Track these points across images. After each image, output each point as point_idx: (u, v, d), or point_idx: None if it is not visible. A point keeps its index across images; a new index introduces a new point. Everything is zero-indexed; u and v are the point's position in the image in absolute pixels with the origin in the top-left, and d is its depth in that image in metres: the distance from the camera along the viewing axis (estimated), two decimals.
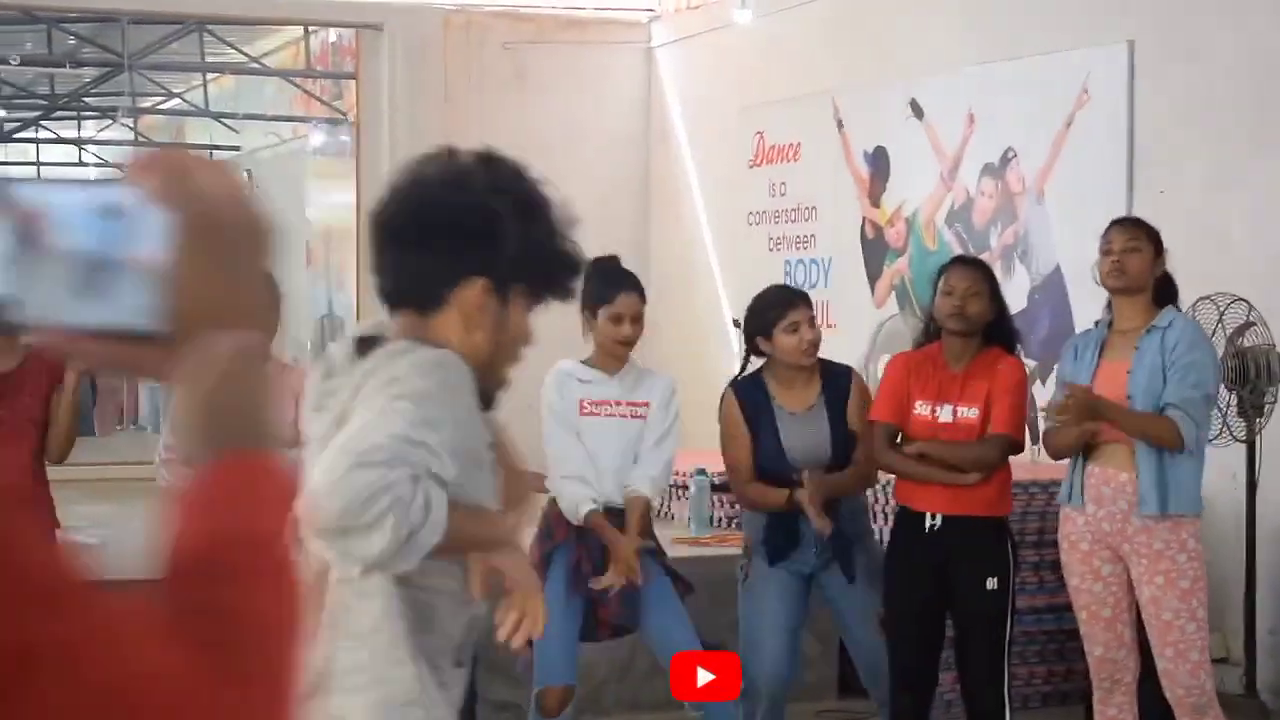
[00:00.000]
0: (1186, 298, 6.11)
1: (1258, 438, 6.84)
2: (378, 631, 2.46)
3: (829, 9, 11.06)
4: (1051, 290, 8.88)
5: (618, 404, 5.35)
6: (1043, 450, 6.37)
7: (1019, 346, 6.17)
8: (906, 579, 5.78)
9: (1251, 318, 6.74)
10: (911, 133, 10.14)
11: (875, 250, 10.25)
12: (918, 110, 10.00)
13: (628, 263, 5.77)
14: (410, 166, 2.70)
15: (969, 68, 9.80)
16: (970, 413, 5.55)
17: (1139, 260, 5.33)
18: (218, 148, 18.78)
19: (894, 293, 9.66)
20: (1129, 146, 8.58)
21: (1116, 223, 5.64)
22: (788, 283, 9.92)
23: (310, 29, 15.19)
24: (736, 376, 6.11)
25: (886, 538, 6.14)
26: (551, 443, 5.31)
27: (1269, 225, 7.31)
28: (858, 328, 8.73)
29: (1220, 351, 6.43)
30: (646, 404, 5.32)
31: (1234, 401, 6.56)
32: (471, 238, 2.58)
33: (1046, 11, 9.46)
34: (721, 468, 6.25)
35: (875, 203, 10.38)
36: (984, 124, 9.55)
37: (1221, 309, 6.74)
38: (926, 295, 7.01)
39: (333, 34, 14.65)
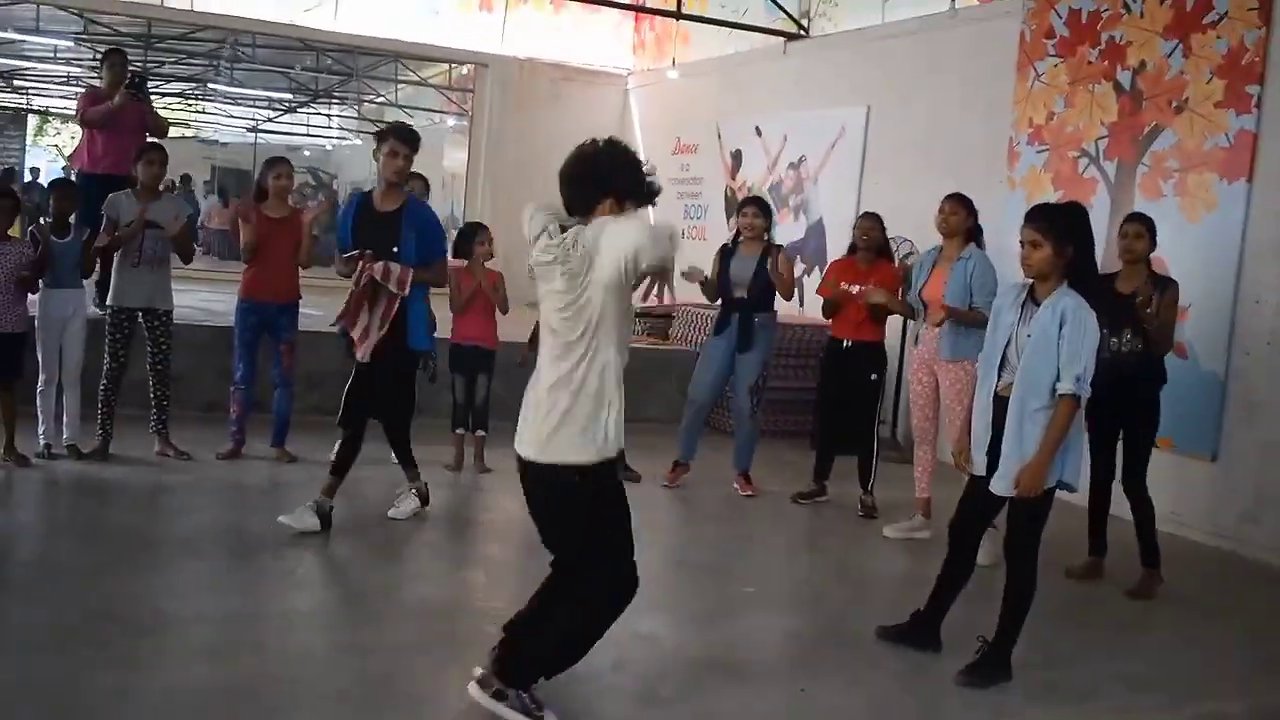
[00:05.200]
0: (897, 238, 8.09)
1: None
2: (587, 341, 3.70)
3: (716, 74, 13.31)
4: (816, 229, 11.38)
5: None
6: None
7: (896, 258, 8.00)
8: (832, 374, 7.61)
9: (914, 249, 8.72)
10: (754, 144, 12.46)
11: (731, 203, 12.40)
12: (759, 132, 12.33)
13: None
14: (575, 149, 3.82)
15: (786, 112, 11.88)
16: (870, 288, 7.17)
17: (957, 219, 6.69)
18: (401, 124, 24.99)
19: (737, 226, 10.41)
20: (861, 160, 10.82)
21: (947, 197, 6.81)
22: (686, 218, 12.90)
23: (452, 64, 18.27)
24: (726, 242, 7.89)
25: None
26: None
27: (923, 206, 7.55)
28: (717, 240, 9.30)
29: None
30: None
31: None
32: (600, 178, 3.74)
33: (827, 83, 11.38)
34: None
35: (733, 178, 12.75)
36: (791, 142, 11.82)
37: (899, 243, 8.75)
38: None
39: (465, 67, 17.08)
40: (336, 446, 7.30)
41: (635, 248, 3.55)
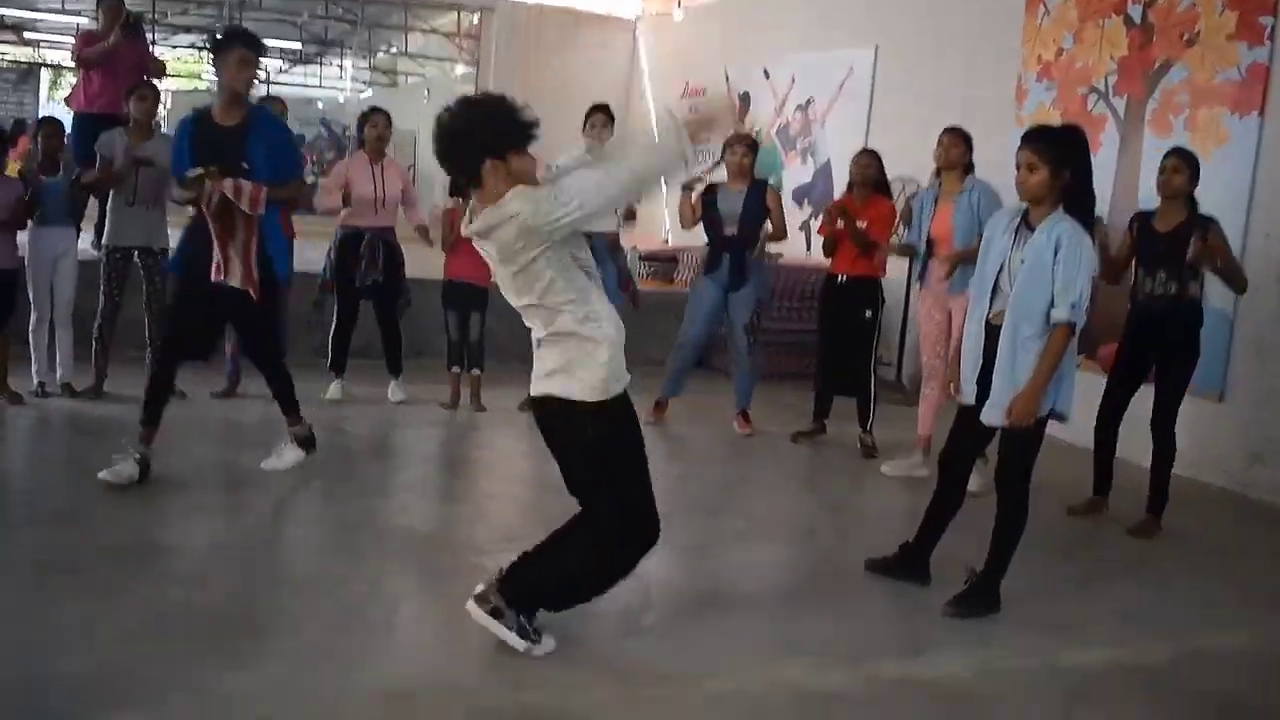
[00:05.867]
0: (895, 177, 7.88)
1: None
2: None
3: (724, 16, 13.20)
4: (824, 172, 11.31)
5: None
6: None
7: (903, 198, 8.04)
8: (828, 309, 7.48)
9: (919, 185, 8.32)
10: (762, 86, 12.41)
11: None
12: (766, 75, 12.29)
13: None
14: (436, 121, 3.58)
15: (793, 54, 11.76)
16: (864, 224, 7.16)
17: (957, 152, 6.58)
18: (414, 74, 23.67)
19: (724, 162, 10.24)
20: (869, 101, 10.73)
21: (946, 130, 6.69)
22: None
23: (460, 10, 17.57)
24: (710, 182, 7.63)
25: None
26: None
27: (931, 146, 6.93)
28: None
29: (901, 203, 8.24)
30: None
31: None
32: (468, 144, 3.57)
33: (834, 23, 11.24)
34: None
35: (741, 120, 12.53)
36: (799, 84, 11.75)
37: (905, 183, 8.97)
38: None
39: (475, 16, 16.71)
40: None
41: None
